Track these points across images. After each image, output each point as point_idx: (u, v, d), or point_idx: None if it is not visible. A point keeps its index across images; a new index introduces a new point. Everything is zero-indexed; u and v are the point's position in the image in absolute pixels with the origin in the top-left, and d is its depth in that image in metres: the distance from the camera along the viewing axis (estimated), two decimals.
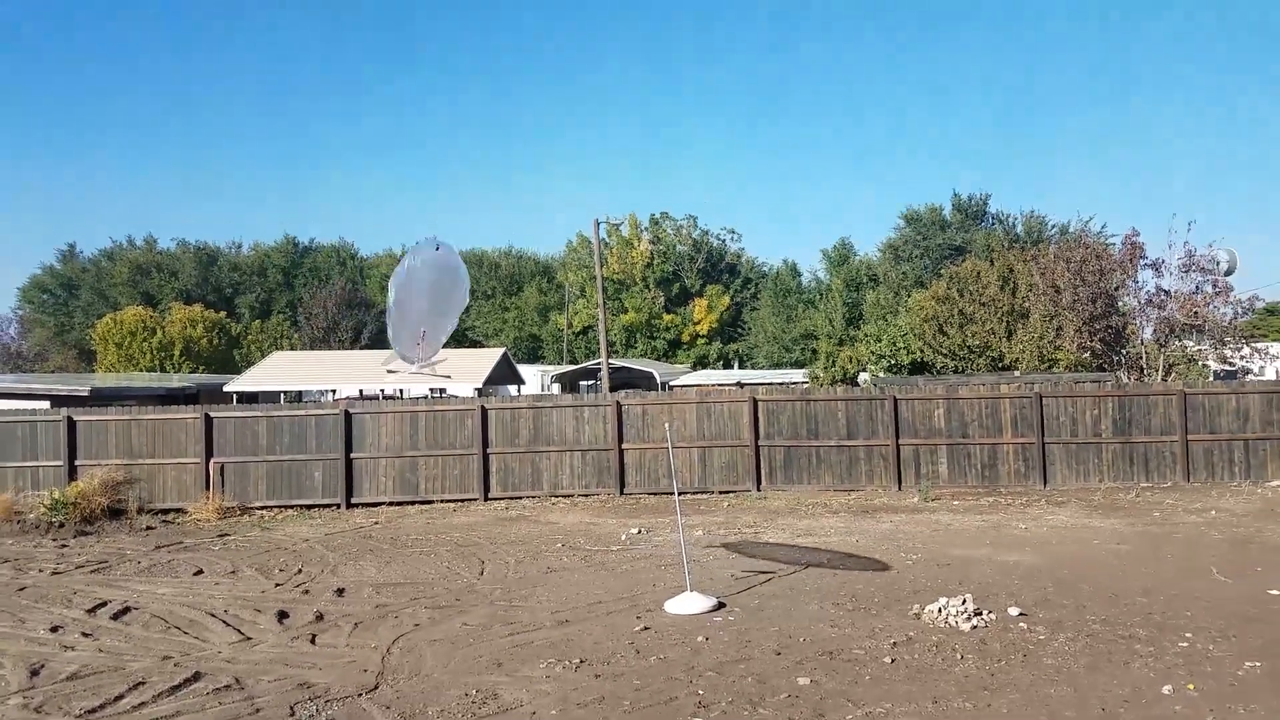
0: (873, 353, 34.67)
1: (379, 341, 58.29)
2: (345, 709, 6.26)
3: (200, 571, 11.35)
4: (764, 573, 10.25)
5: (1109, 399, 17.45)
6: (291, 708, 6.30)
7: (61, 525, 15.03)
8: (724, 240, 67.60)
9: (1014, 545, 11.74)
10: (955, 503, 15.77)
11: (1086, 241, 26.99)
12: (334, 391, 31.81)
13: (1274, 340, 29.34)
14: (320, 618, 8.82)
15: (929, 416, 17.52)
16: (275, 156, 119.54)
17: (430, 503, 17.18)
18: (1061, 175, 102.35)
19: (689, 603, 8.66)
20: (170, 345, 49.68)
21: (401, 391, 30.30)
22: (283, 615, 8.94)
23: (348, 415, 17.40)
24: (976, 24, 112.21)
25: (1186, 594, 8.80)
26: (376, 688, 6.67)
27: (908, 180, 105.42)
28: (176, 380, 36.03)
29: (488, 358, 32.99)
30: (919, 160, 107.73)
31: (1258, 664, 6.60)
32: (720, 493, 17.34)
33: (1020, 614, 8.09)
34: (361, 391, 30.28)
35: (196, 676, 7.01)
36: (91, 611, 9.26)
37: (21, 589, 10.48)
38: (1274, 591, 8.81)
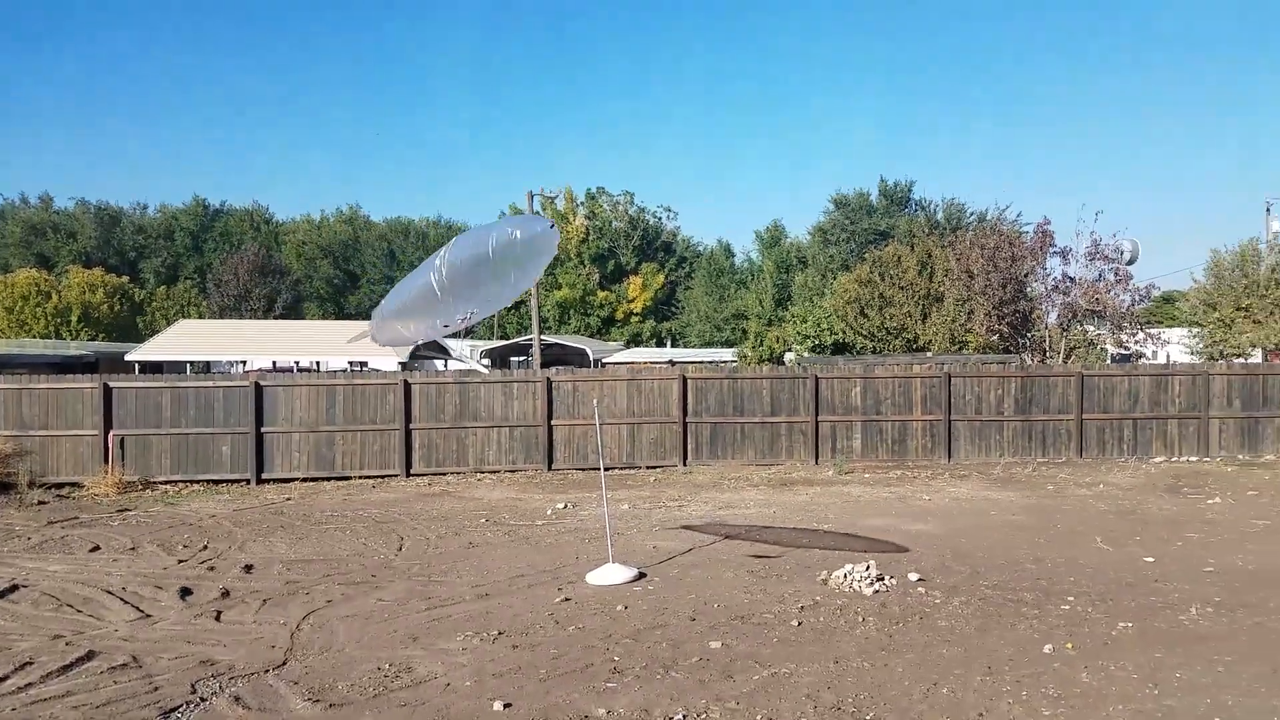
0: (799, 333, 35.46)
1: (294, 311, 56.61)
2: (251, 685, 6.13)
3: (97, 548, 10.88)
4: (686, 544, 10.45)
5: (1012, 379, 18.30)
6: (193, 685, 6.14)
7: None
8: (660, 218, 67.50)
9: (918, 515, 12.26)
10: (867, 475, 16.35)
11: (1000, 229, 28.12)
12: (244, 363, 30.74)
13: (1168, 326, 31.17)
14: (226, 594, 8.59)
15: (847, 395, 18.06)
16: (184, 113, 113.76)
17: (348, 478, 16.86)
18: (983, 164, 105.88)
19: (610, 574, 8.78)
20: (67, 311, 47.05)
21: (318, 364, 29.51)
22: (186, 592, 8.67)
23: (258, 388, 16.87)
24: (915, 12, 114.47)
25: (1071, 561, 9.37)
26: (285, 664, 6.55)
27: (841, 165, 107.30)
28: (74, 348, 34.27)
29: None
30: (852, 145, 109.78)
31: (1129, 625, 7.09)
32: (648, 468, 17.53)
33: (919, 580, 8.49)
34: (275, 364, 29.36)
35: (90, 655, 6.75)
36: None
37: None
38: (1149, 559, 9.46)
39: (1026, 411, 18.15)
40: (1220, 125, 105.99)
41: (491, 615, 7.67)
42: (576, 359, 38.79)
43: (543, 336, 32.72)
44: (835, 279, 42.13)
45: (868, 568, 8.43)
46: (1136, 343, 24.68)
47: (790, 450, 17.90)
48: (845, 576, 8.33)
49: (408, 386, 17.28)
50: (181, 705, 5.78)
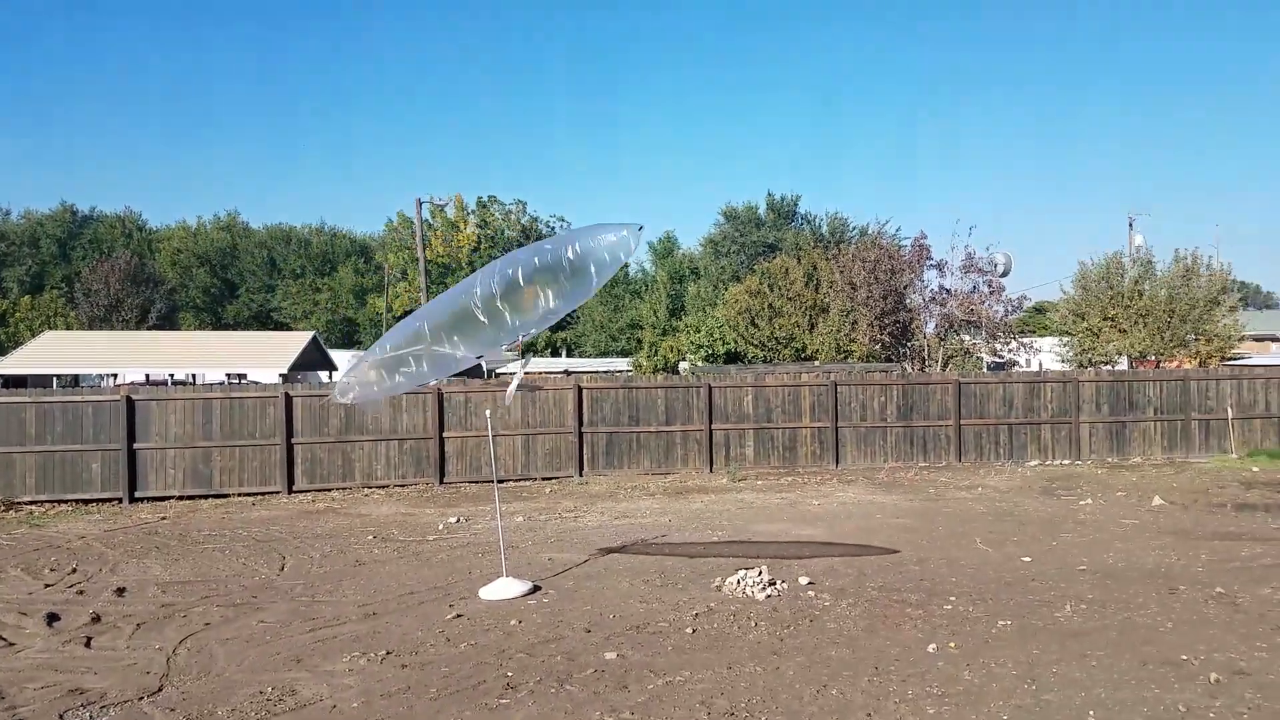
0: (692, 343, 36.05)
1: (169, 321, 53.50)
2: (124, 713, 5.77)
3: None
4: (581, 555, 10.44)
5: (895, 387, 19.15)
6: (60, 715, 5.73)
7: None
8: (554, 227, 67.01)
9: (808, 520, 12.67)
10: (759, 482, 16.76)
11: (881, 243, 29.41)
12: (115, 376, 28.87)
13: (1040, 335, 33.27)
14: (97, 619, 8.05)
15: (739, 403, 18.48)
16: (51, 115, 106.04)
17: (226, 496, 16.05)
18: (866, 179, 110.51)
19: (504, 588, 8.67)
20: None
21: (194, 377, 28.02)
22: (53, 618, 8.08)
23: (130, 402, 15.88)
24: (803, 24, 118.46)
25: (953, 562, 9.85)
26: (160, 690, 6.20)
27: (730, 178, 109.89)
28: None
29: (294, 341, 31.19)
30: (740, 159, 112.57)
31: (1009, 622, 7.51)
32: (544, 479, 17.41)
33: (809, 583, 8.77)
34: (149, 376, 27.71)
35: None
36: None
37: None
38: (1026, 559, 10.03)
39: (908, 418, 19.03)
40: (1089, 144, 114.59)
41: (380, 634, 7.46)
42: (470, 369, 38.21)
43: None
44: (726, 290, 43.08)
45: (760, 573, 8.64)
46: (1010, 351, 26.28)
47: (685, 459, 18.16)
48: (738, 583, 8.52)
49: (289, 399, 16.62)
50: None
